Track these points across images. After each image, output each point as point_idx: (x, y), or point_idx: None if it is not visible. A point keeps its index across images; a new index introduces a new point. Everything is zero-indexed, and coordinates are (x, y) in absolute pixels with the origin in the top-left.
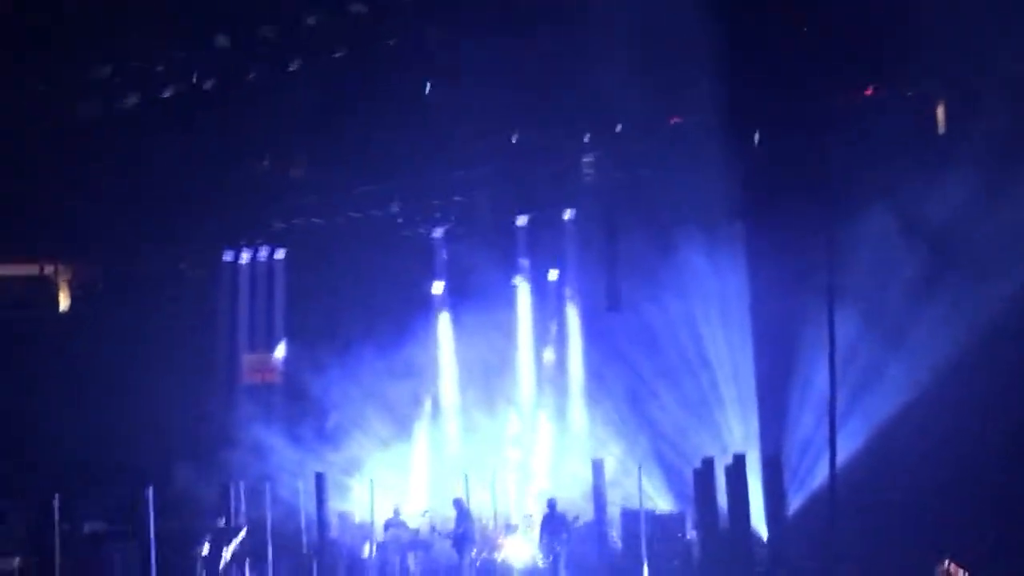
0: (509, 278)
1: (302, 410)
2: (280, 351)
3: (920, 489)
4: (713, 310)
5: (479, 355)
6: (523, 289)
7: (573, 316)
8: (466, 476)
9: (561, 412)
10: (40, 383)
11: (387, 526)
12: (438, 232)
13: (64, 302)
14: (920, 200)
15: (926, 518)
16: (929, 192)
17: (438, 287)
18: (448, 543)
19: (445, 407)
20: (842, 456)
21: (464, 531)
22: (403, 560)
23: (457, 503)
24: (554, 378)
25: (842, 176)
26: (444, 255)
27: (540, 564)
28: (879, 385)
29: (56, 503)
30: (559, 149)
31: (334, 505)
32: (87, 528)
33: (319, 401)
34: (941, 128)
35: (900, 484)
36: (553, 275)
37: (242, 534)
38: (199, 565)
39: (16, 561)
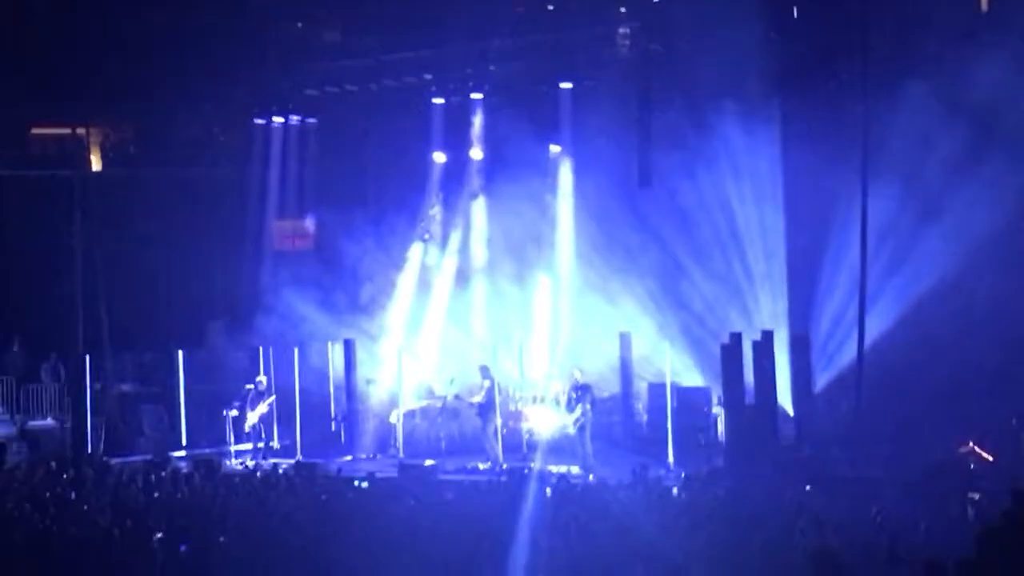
0: (542, 149)
1: (332, 278)
2: (310, 222)
3: (948, 371)
4: (746, 186)
5: (510, 226)
6: (563, 160)
7: (604, 190)
8: (494, 346)
9: (590, 286)
10: (71, 243)
11: (415, 393)
12: (471, 100)
13: (96, 163)
14: (961, 75)
15: (953, 401)
16: (970, 67)
17: (471, 155)
18: (474, 411)
19: (475, 277)
20: (871, 335)
21: (488, 399)
22: (430, 427)
23: (483, 370)
24: (584, 252)
25: (881, 50)
26: (477, 124)
27: (569, 431)
28: (913, 264)
29: (88, 363)
30: (595, 18)
31: (363, 372)
32: (118, 388)
33: (349, 269)
34: (984, 4)
35: (928, 365)
36: (584, 148)
37: (271, 399)
38: (227, 427)
39: (48, 420)
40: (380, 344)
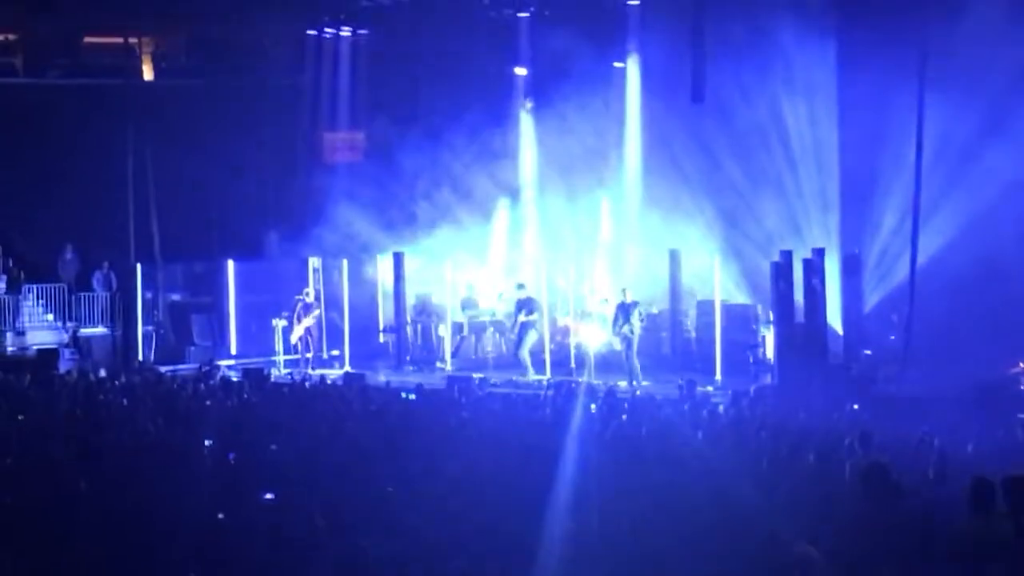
0: (599, 66)
1: (382, 191)
2: (361, 134)
3: (1002, 291)
4: (801, 102)
5: (563, 142)
6: (630, 75)
7: (656, 106)
8: (543, 262)
9: (641, 203)
10: (123, 153)
11: (463, 307)
12: (522, 16)
13: (148, 73)
14: None
15: (1005, 321)
16: None
17: (519, 71)
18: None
19: (525, 193)
20: (924, 254)
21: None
22: (477, 340)
23: (518, 287)
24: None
25: None
26: (530, 38)
27: (615, 347)
28: (971, 180)
29: (139, 273)
30: None
31: (412, 286)
32: (169, 297)
33: (400, 183)
34: None
35: (982, 284)
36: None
37: (317, 312)
38: (276, 336)
39: (100, 328)
40: (431, 258)
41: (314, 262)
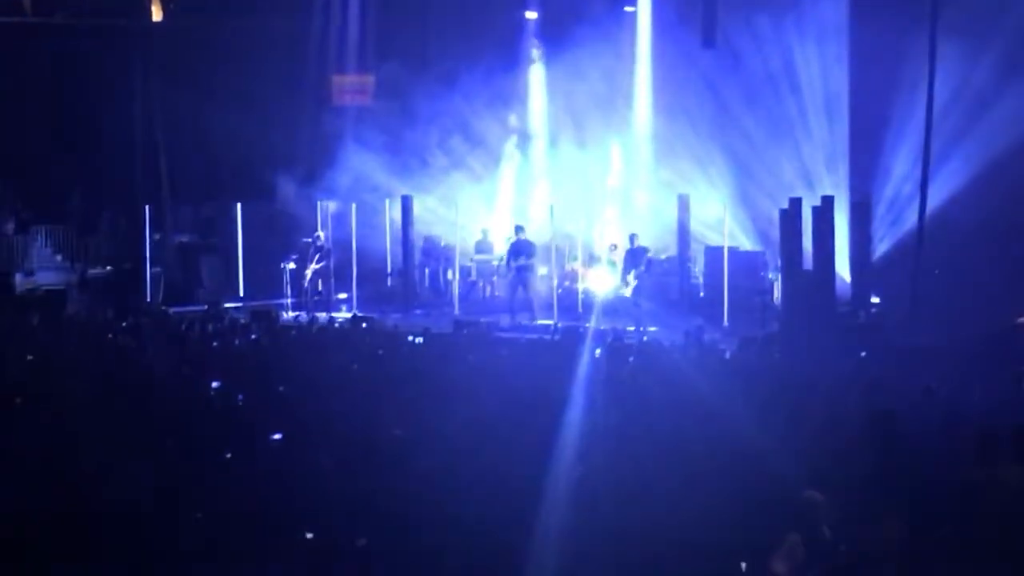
0: (610, 7)
1: (392, 135)
2: (370, 77)
3: (1012, 241)
4: (811, 47)
5: (573, 87)
6: (641, 18)
7: (665, 50)
8: (551, 207)
9: (648, 148)
10: (131, 94)
11: (476, 250)
12: None
13: (156, 13)
14: None
15: (1013, 272)
16: None
17: (531, 15)
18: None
19: (535, 139)
20: (934, 202)
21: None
22: (486, 284)
23: (516, 228)
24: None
25: None
26: None
27: (622, 293)
28: (983, 128)
29: (147, 214)
30: None
31: (420, 230)
32: (177, 239)
33: (410, 127)
34: None
35: (991, 234)
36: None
37: (315, 266)
38: (284, 279)
39: (108, 268)
40: (440, 201)
41: (330, 205)
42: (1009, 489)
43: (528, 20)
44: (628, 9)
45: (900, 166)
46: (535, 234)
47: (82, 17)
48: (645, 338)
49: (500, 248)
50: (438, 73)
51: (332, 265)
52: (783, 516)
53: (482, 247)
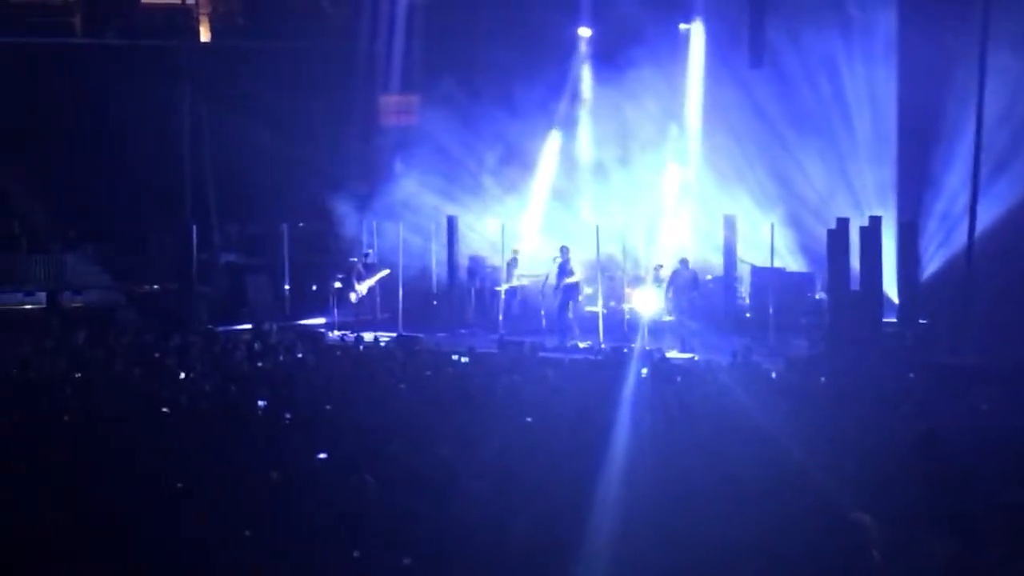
0: (662, 28)
1: (439, 155)
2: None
3: None
4: (859, 69)
5: (622, 107)
6: (695, 38)
7: (713, 69)
8: (597, 227)
9: (696, 168)
10: (179, 114)
11: (511, 267)
12: None
13: (204, 34)
14: None
15: None
16: None
17: (585, 32)
18: (552, 289)
19: (582, 158)
20: (982, 223)
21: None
22: (531, 304)
23: (562, 250)
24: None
25: None
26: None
27: (667, 317)
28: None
29: (195, 233)
30: None
31: (465, 248)
32: (224, 259)
33: (456, 147)
34: None
35: None
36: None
37: (382, 274)
38: (331, 298)
39: (156, 287)
40: (486, 221)
41: (368, 224)
42: None
43: (581, 37)
44: (683, 27)
45: (950, 185)
46: (581, 254)
47: (131, 38)
48: (696, 357)
49: (533, 268)
50: (486, 91)
51: (379, 285)
52: (833, 537)
53: (512, 267)
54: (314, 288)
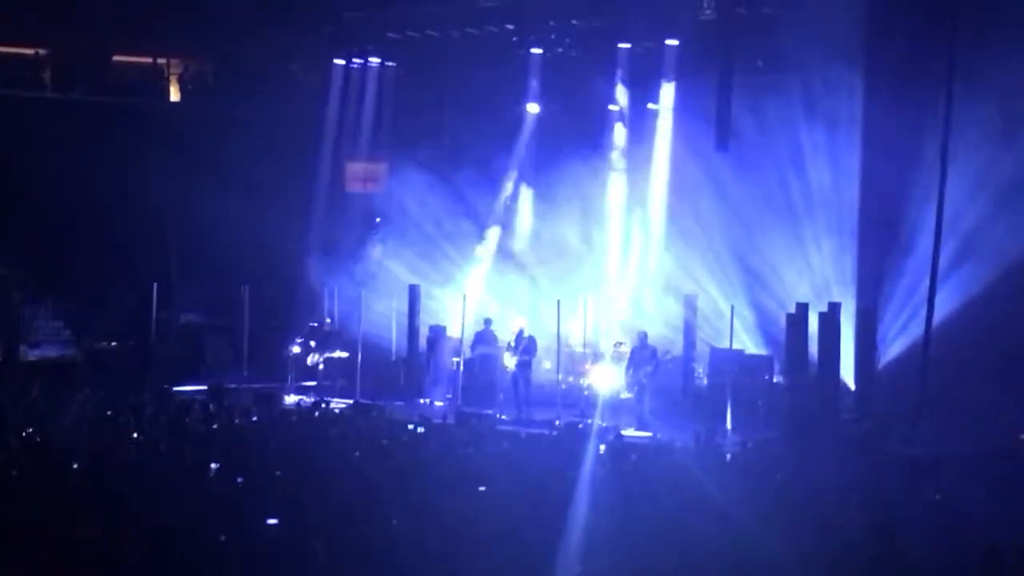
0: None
1: (404, 222)
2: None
3: (1017, 356)
4: (822, 157)
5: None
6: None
7: (676, 150)
8: (558, 302)
9: (656, 247)
10: (145, 173)
11: (476, 341)
12: (538, 51)
13: (174, 93)
14: None
15: (1020, 386)
16: None
17: (533, 107)
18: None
19: (544, 228)
20: (939, 314)
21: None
22: (490, 374)
23: (519, 324)
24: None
25: (971, 31)
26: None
27: (624, 394)
28: (987, 247)
29: (155, 292)
30: None
31: (426, 318)
32: (183, 318)
33: (418, 215)
34: None
35: (997, 349)
36: (653, 106)
37: (340, 354)
38: (289, 363)
39: (113, 344)
40: (446, 291)
41: (328, 291)
42: None
43: (528, 114)
44: (651, 106)
45: (910, 273)
46: (539, 328)
47: (101, 94)
48: (658, 435)
49: (503, 339)
50: (455, 160)
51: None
52: None
53: (483, 337)
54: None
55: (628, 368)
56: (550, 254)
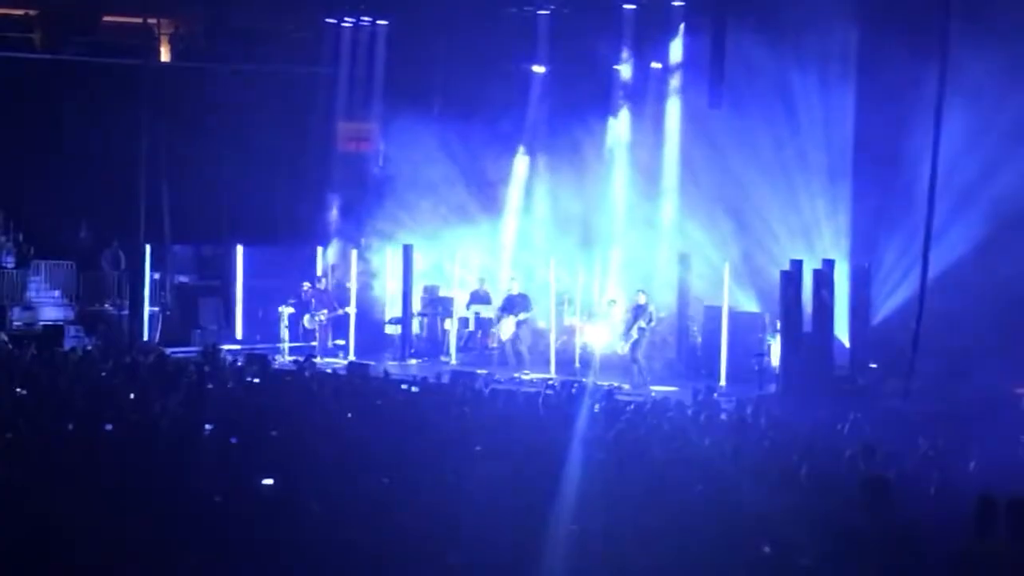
0: (612, 63)
1: (395, 182)
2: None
3: (1012, 311)
4: (816, 108)
5: (574, 142)
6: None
7: (673, 109)
8: (552, 260)
9: (651, 206)
10: (137, 134)
11: (471, 301)
12: (544, 11)
13: (165, 54)
14: None
15: (1012, 341)
16: None
17: (540, 68)
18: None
19: (537, 189)
20: (934, 269)
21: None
22: (483, 335)
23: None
24: (648, 171)
25: None
26: (546, 36)
27: (619, 351)
28: (985, 200)
29: (148, 253)
30: None
31: (419, 278)
32: (177, 280)
33: (413, 174)
34: None
35: (991, 304)
36: (656, 65)
37: (341, 311)
38: (281, 323)
39: (106, 305)
40: (437, 250)
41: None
42: (1005, 564)
43: (535, 74)
44: (655, 65)
45: (904, 229)
46: (534, 287)
47: (92, 55)
48: (653, 392)
49: (497, 299)
50: (444, 122)
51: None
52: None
53: (478, 297)
54: (260, 313)
55: (623, 326)
56: (549, 214)
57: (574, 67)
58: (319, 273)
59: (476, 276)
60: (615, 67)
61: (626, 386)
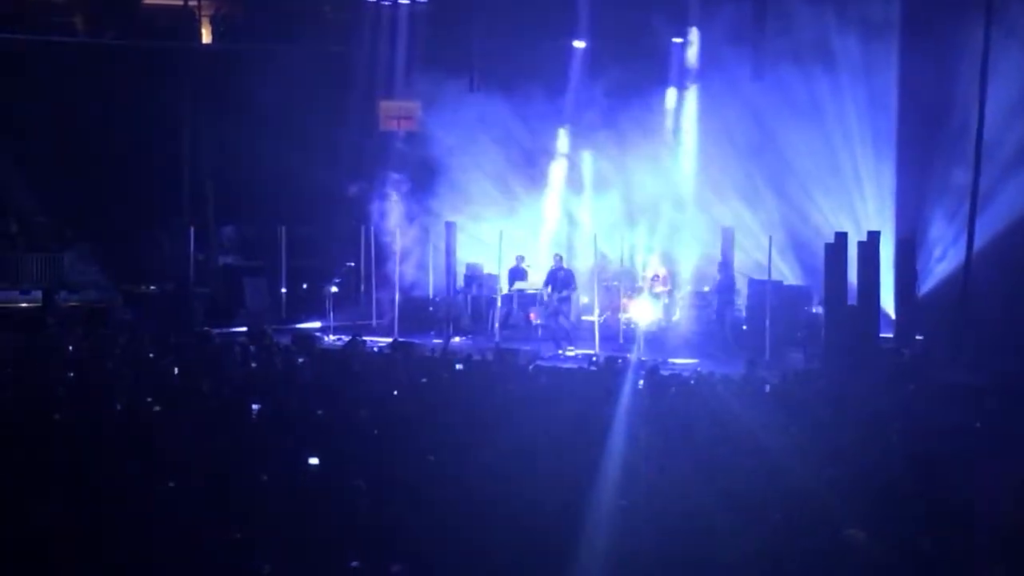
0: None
1: (438, 160)
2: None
3: None
4: (860, 84)
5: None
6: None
7: (714, 80)
8: (595, 236)
9: (694, 180)
10: (179, 116)
11: (512, 277)
12: None
13: (206, 36)
14: None
15: None
16: None
17: (580, 44)
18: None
19: (582, 165)
20: (981, 239)
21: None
22: (527, 311)
23: (555, 258)
24: (692, 145)
25: None
26: (587, 9)
27: (663, 325)
28: None
29: (192, 234)
30: None
31: (462, 256)
32: (221, 260)
33: (453, 151)
34: None
35: None
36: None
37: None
38: (328, 302)
39: (152, 288)
40: (480, 227)
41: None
42: None
43: (576, 49)
44: (676, 40)
45: (949, 201)
46: (578, 262)
47: (132, 38)
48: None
49: (537, 275)
50: (483, 99)
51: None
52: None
53: (518, 273)
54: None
55: (667, 300)
56: (592, 190)
57: (615, 42)
58: (361, 253)
59: (516, 253)
60: (672, 40)
61: (672, 360)
